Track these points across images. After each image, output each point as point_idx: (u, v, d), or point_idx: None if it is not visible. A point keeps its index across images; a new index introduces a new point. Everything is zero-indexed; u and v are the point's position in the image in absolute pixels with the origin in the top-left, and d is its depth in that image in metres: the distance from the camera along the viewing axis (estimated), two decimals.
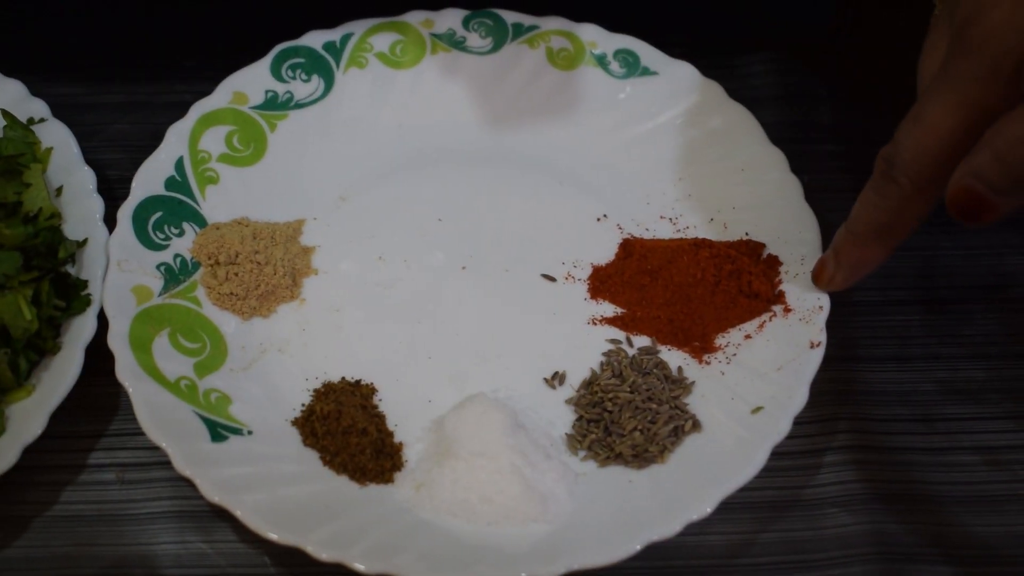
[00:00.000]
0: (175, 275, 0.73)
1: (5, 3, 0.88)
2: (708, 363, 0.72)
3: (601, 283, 0.76)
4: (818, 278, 0.71)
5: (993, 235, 0.80)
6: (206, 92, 0.79)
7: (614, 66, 0.83)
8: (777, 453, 0.65)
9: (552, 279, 0.76)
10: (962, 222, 0.57)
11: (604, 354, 0.73)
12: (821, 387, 0.69)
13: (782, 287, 0.73)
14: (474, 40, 0.84)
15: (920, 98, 0.61)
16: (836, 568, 0.67)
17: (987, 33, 0.56)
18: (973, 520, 0.69)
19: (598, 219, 0.79)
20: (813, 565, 0.67)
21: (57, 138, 0.77)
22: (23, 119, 0.77)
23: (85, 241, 0.72)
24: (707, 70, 0.82)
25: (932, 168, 0.60)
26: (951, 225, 0.80)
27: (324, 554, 0.61)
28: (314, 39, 0.82)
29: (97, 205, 0.74)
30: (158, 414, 0.65)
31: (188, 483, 0.63)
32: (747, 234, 0.76)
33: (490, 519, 0.64)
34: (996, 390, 0.74)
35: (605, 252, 0.77)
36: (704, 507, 0.63)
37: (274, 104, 0.81)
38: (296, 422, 0.69)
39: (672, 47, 0.83)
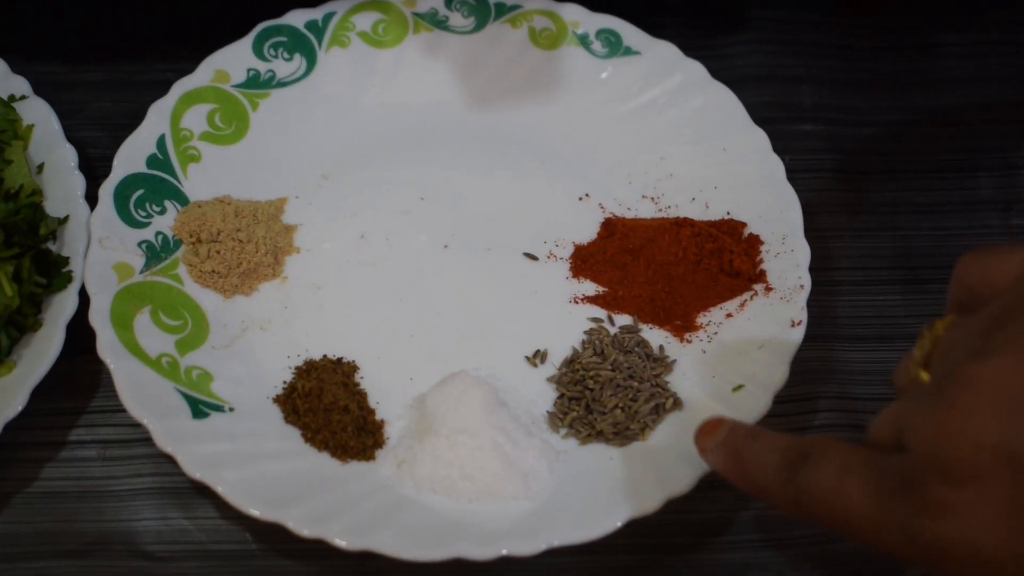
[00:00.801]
0: (157, 253, 0.73)
1: None
2: (689, 341, 0.72)
3: (583, 262, 0.76)
4: (703, 432, 0.58)
5: (973, 216, 0.80)
6: (188, 71, 0.79)
7: (596, 46, 0.83)
8: None
9: (534, 258, 0.76)
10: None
11: (586, 332, 0.73)
12: (802, 366, 0.69)
13: (763, 266, 0.73)
14: (456, 19, 0.83)
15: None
16: (816, 546, 0.67)
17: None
18: None
19: (580, 198, 0.79)
20: (794, 543, 0.67)
21: (38, 115, 0.76)
22: (4, 96, 0.76)
23: (66, 218, 0.72)
24: (689, 50, 0.82)
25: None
26: (931, 206, 0.81)
27: (305, 530, 0.61)
28: (296, 18, 0.82)
29: (79, 182, 0.73)
30: (139, 391, 0.65)
31: (169, 460, 0.63)
32: (729, 213, 0.76)
33: (471, 496, 0.64)
34: None
35: (587, 231, 0.77)
36: (684, 484, 0.63)
37: (256, 83, 0.80)
38: (278, 399, 0.69)
39: (654, 27, 0.83)
